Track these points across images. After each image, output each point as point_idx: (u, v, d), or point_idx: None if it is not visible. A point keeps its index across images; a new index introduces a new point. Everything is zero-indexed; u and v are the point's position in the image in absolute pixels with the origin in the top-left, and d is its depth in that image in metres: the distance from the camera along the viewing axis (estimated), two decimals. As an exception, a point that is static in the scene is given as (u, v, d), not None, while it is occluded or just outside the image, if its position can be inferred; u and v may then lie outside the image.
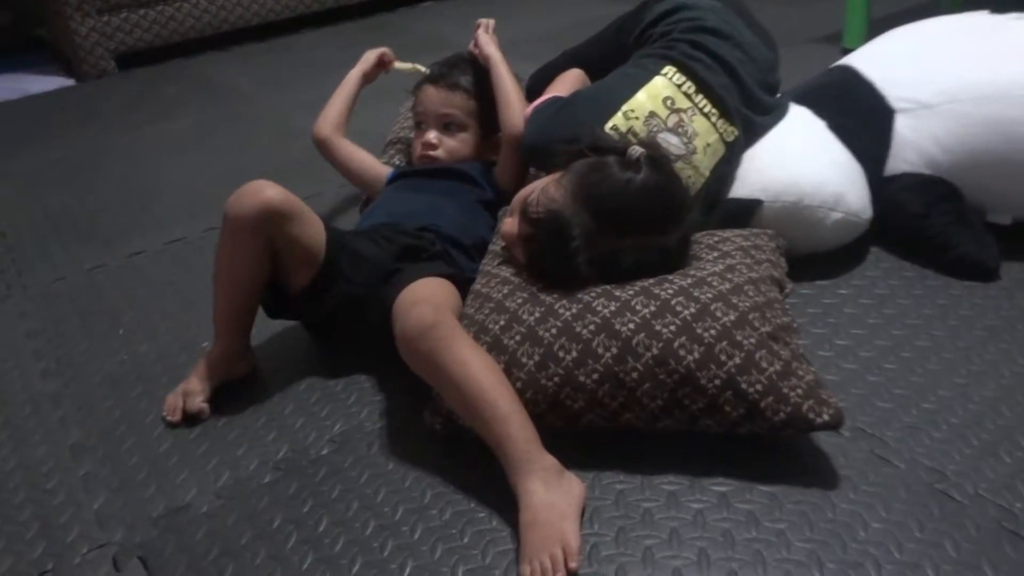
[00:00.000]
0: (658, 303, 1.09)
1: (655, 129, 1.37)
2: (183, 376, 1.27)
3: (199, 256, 1.72)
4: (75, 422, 1.27)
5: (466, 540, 0.99)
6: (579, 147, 1.23)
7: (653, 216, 1.17)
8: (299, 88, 2.72)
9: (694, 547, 0.96)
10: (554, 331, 1.09)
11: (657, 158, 1.20)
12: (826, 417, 1.02)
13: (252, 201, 1.18)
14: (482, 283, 1.23)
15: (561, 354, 1.07)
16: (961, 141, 1.43)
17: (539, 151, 1.40)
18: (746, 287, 1.13)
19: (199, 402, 1.23)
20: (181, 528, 1.05)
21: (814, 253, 1.45)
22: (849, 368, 1.23)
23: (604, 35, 1.75)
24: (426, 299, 1.12)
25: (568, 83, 1.60)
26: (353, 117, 1.70)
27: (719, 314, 1.07)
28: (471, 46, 1.62)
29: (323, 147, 1.67)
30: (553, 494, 0.97)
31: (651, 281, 1.14)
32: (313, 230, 1.25)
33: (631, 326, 1.07)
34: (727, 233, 1.31)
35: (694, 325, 1.06)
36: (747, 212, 1.42)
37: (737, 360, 1.04)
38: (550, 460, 1.00)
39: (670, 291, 1.11)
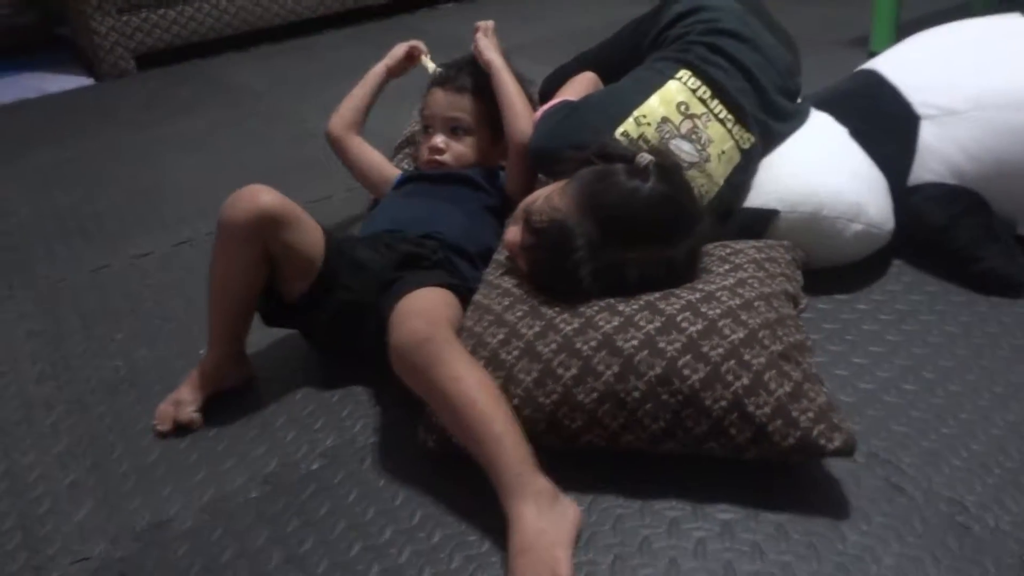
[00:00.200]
0: (663, 319, 1.04)
1: (667, 135, 1.32)
2: (178, 383, 1.24)
3: (205, 259, 1.64)
4: (66, 428, 1.24)
5: (454, 565, 0.95)
6: (586, 154, 1.19)
7: (660, 227, 1.12)
8: (315, 90, 2.70)
9: (693, 579, 0.91)
10: (554, 346, 1.05)
11: (666, 166, 1.15)
12: (837, 443, 0.96)
13: (247, 207, 1.14)
14: (483, 294, 1.19)
15: (560, 371, 1.03)
16: (988, 149, 1.37)
17: (547, 157, 1.35)
18: (757, 303, 1.08)
19: (190, 412, 1.20)
20: (164, 543, 1.02)
21: (832, 266, 1.39)
22: (865, 388, 1.17)
23: (620, 37, 1.70)
24: (422, 311, 1.08)
25: (580, 87, 1.55)
26: (370, 116, 1.66)
27: (727, 331, 1.02)
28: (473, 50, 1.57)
29: (335, 143, 1.63)
30: (545, 519, 0.92)
31: (657, 295, 1.09)
32: (311, 237, 1.21)
33: (634, 343, 1.02)
34: (740, 245, 1.26)
35: (700, 343, 1.01)
36: (763, 222, 1.37)
37: (745, 381, 0.99)
38: (544, 483, 0.95)
39: (676, 306, 1.06)
